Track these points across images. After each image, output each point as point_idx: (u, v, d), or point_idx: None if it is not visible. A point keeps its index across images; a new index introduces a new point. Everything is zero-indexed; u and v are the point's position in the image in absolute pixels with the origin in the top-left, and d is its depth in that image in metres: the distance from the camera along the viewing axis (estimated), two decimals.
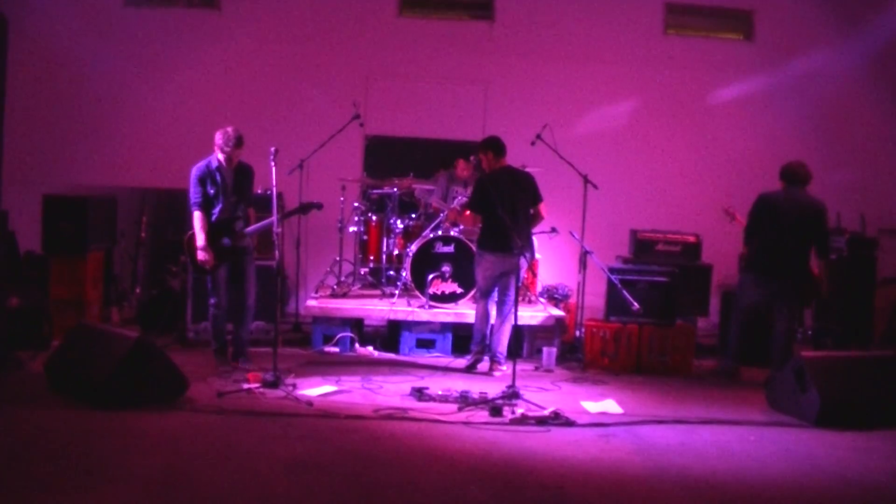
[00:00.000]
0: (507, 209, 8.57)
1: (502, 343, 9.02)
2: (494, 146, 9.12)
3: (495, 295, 9.07)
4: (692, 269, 10.79)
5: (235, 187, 8.57)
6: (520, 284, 9.23)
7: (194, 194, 8.44)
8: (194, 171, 8.45)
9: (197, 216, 8.44)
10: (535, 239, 9.71)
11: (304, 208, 8.55)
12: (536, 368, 9.38)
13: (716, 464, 6.34)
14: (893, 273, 11.38)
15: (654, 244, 10.95)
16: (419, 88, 12.53)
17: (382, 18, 12.54)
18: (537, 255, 10.99)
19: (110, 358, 7.00)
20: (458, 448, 6.42)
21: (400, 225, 10.57)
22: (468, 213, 9.32)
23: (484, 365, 9.09)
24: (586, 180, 9.89)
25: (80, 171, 11.68)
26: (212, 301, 8.65)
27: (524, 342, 9.94)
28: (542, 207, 9.15)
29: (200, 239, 8.42)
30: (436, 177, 11.15)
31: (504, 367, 8.85)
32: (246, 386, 7.70)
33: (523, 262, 8.76)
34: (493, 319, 9.10)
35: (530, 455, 6.33)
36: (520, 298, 9.27)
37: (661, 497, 5.71)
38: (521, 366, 8.32)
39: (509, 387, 7.70)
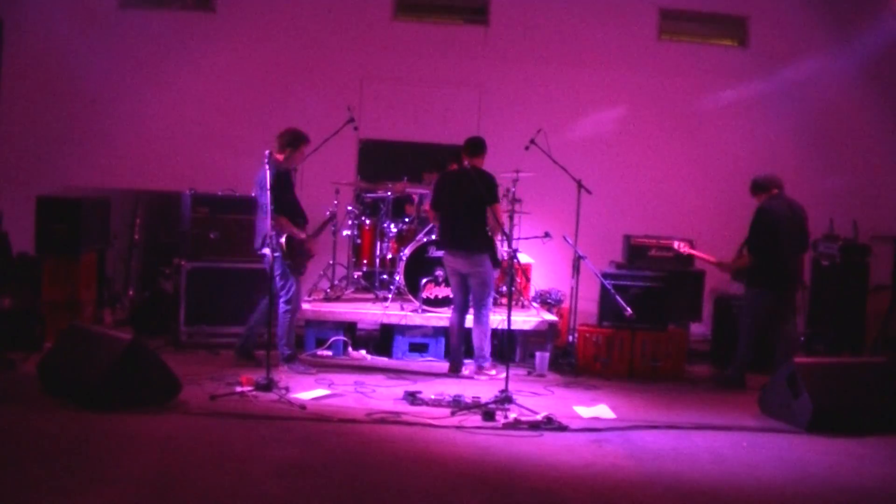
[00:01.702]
0: (456, 207, 8.78)
1: (481, 347, 9.02)
2: (465, 145, 9.17)
3: (469, 305, 9.13)
4: (685, 274, 10.80)
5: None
6: (511, 288, 9.23)
7: (270, 199, 8.20)
8: (273, 177, 8.16)
9: (281, 220, 8.49)
10: (499, 243, 9.47)
11: (333, 217, 9.24)
12: (529, 373, 9.39)
13: (708, 469, 6.35)
14: (885, 280, 11.39)
15: (647, 250, 10.96)
16: (413, 92, 12.53)
17: (377, 22, 12.54)
18: (530, 260, 11.01)
19: (103, 360, 7.00)
20: (450, 452, 6.42)
21: (393, 229, 10.56)
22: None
23: (473, 368, 9.10)
24: (580, 185, 9.90)
25: (74, 173, 11.64)
26: (285, 308, 8.71)
27: (517, 347, 9.93)
28: (497, 209, 8.89)
29: (301, 233, 8.68)
30: (427, 179, 11.13)
31: (492, 371, 8.89)
32: (239, 389, 7.69)
33: (484, 262, 8.83)
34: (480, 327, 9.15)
35: (523, 460, 6.34)
36: (513, 303, 9.26)
37: (654, 502, 5.72)
38: (513, 370, 8.32)
39: (502, 391, 7.70)
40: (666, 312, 9.78)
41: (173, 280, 10.12)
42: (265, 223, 8.35)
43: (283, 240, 8.54)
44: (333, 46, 12.38)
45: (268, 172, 8.01)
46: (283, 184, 8.59)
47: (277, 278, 8.65)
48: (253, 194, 8.91)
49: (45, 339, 8.97)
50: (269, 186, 8.07)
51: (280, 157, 8.64)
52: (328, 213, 9.22)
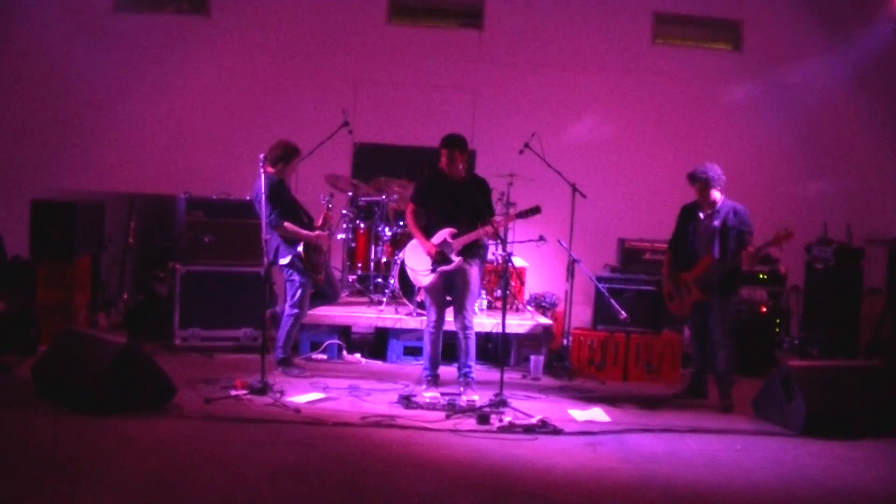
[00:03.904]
0: None
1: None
2: None
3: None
4: None
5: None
6: (506, 291, 9.18)
7: (276, 211, 8.46)
8: (268, 188, 8.27)
9: (288, 226, 8.57)
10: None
11: (331, 199, 9.10)
12: (524, 376, 9.39)
13: (702, 472, 6.36)
14: (879, 283, 11.43)
15: (641, 253, 10.97)
16: (408, 96, 12.54)
17: (372, 26, 12.56)
18: (525, 263, 11.02)
19: (98, 363, 6.99)
20: (445, 456, 6.42)
21: (388, 232, 10.54)
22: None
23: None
24: (574, 189, 9.89)
25: (69, 176, 11.64)
26: (293, 312, 8.73)
27: (512, 350, 9.93)
28: None
29: (312, 233, 8.70)
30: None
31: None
32: (233, 393, 7.68)
33: None
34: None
35: (517, 463, 6.34)
36: (508, 306, 9.22)
37: None
38: (508, 374, 8.32)
39: (497, 395, 7.70)
40: (660, 316, 9.79)
41: (168, 284, 10.10)
42: (274, 235, 8.50)
43: (300, 248, 8.59)
44: (328, 50, 12.41)
45: (262, 179, 8.01)
46: (281, 191, 8.64)
47: (287, 286, 8.79)
48: (252, 202, 8.88)
49: (40, 342, 8.95)
50: (262, 192, 8.13)
51: (271, 170, 8.63)
52: (325, 200, 9.10)
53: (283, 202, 8.62)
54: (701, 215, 8.60)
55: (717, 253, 8.37)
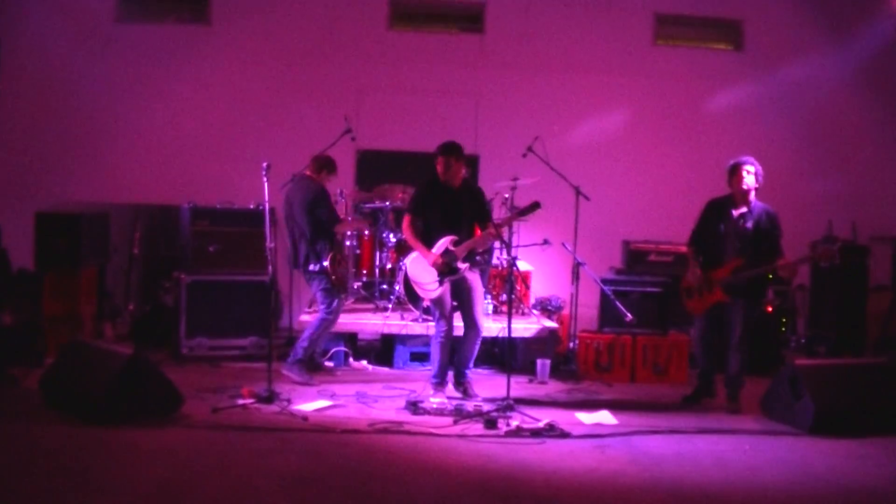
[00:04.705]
0: None
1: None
2: None
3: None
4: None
5: None
6: (511, 295, 9.18)
7: (332, 212, 9.01)
8: (320, 191, 8.92)
9: (356, 222, 9.60)
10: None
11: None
12: (531, 380, 9.37)
13: (711, 473, 6.35)
14: (885, 280, 11.41)
15: (646, 255, 10.96)
16: (410, 102, 12.54)
17: (373, 32, 12.56)
18: (530, 267, 11.01)
19: (105, 374, 7.00)
20: (453, 461, 6.42)
21: (393, 239, 10.53)
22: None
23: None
24: (578, 192, 9.91)
25: (73, 188, 11.66)
26: (327, 317, 8.93)
27: (518, 354, 9.91)
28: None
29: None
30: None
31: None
32: (241, 401, 7.69)
33: None
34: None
35: (525, 467, 6.34)
36: (513, 310, 9.21)
37: None
38: (515, 378, 8.31)
39: (504, 399, 7.70)
40: (666, 317, 9.78)
41: (173, 293, 10.12)
42: (315, 242, 8.82)
43: (326, 263, 8.76)
44: (330, 57, 12.41)
45: (266, 184, 8.01)
46: (327, 198, 8.96)
47: (321, 295, 8.92)
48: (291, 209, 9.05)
49: (47, 354, 8.97)
50: (310, 197, 8.70)
51: (313, 176, 8.98)
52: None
53: (332, 209, 9.02)
54: (734, 213, 8.31)
55: (749, 256, 8.15)
